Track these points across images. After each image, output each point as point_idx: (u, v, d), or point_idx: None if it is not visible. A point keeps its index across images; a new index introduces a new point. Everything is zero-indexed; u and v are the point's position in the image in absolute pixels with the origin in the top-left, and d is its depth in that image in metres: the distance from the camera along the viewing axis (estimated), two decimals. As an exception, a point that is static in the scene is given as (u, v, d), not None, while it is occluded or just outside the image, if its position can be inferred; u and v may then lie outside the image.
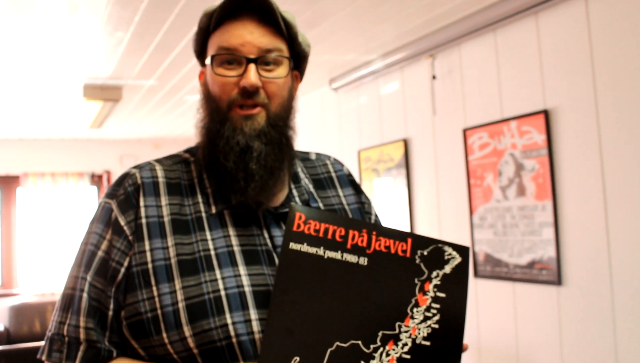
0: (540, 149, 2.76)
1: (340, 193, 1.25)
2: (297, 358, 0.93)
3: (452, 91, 3.34)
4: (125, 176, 1.12)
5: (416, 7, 2.95)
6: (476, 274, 3.16)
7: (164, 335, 0.99)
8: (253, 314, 1.00)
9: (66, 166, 6.64)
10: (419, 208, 3.65)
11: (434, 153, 3.50)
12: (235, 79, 1.06)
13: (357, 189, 1.29)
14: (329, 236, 1.00)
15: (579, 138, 2.60)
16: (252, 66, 1.05)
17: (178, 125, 5.94)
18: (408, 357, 0.97)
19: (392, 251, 1.02)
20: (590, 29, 2.55)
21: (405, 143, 3.72)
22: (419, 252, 1.02)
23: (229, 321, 0.98)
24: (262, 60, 1.06)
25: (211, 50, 1.10)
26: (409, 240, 1.03)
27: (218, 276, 1.02)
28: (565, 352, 2.66)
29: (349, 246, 1.00)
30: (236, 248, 1.05)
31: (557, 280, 2.67)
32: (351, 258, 1.00)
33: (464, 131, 3.22)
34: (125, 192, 1.09)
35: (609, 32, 2.47)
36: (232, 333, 0.98)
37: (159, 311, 1.00)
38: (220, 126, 1.07)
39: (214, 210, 1.08)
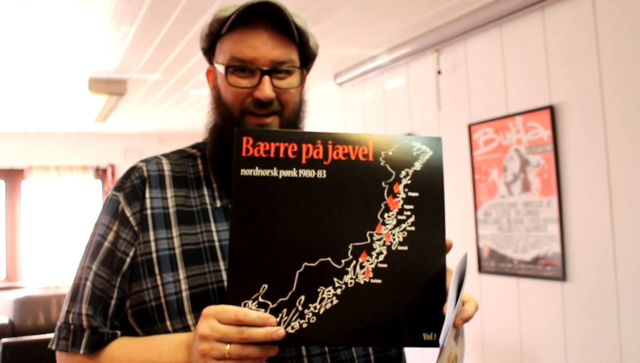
0: (545, 144, 2.75)
1: None
2: (265, 286, 0.90)
3: (458, 86, 3.34)
4: (132, 170, 1.14)
5: (421, 1, 2.94)
6: (480, 270, 3.15)
7: (168, 323, 1.01)
8: None
9: (71, 160, 6.66)
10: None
11: (439, 148, 3.49)
12: (248, 90, 1.07)
13: None
14: (281, 154, 0.94)
15: (584, 134, 2.59)
16: (266, 78, 1.06)
17: (182, 119, 5.94)
18: (385, 265, 0.91)
19: (353, 157, 0.94)
20: (596, 24, 2.54)
21: (410, 138, 3.71)
22: (382, 153, 0.95)
23: None
24: (275, 70, 1.08)
25: (223, 55, 1.10)
26: (370, 143, 0.95)
27: (222, 267, 1.04)
28: (570, 347, 2.66)
29: (303, 161, 0.94)
30: None
31: (562, 276, 2.67)
32: (308, 173, 0.93)
33: (469, 126, 3.21)
34: (132, 184, 1.11)
35: (615, 28, 2.46)
36: None
37: (163, 300, 1.02)
38: (231, 132, 1.07)
39: (219, 204, 1.10)
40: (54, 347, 1.07)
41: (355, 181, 0.94)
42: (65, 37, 3.27)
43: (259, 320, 0.87)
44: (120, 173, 6.78)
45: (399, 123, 3.84)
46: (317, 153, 0.94)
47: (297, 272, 0.90)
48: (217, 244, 1.06)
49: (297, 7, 2.89)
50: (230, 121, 1.09)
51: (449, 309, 0.87)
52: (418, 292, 0.91)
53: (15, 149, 6.45)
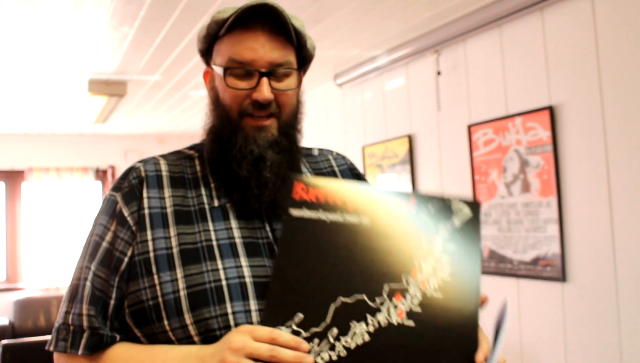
0: (545, 145, 2.75)
1: None
2: (301, 315, 0.93)
3: (457, 87, 3.34)
4: (130, 170, 1.15)
5: (421, 2, 2.94)
6: (480, 270, 3.15)
7: (165, 322, 1.01)
8: (253, 305, 1.01)
9: (71, 161, 6.66)
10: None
11: (439, 149, 3.50)
12: (247, 91, 1.08)
13: (360, 181, 1.30)
14: (330, 201, 1.01)
15: (584, 135, 2.59)
16: (264, 80, 1.06)
17: (182, 120, 5.94)
18: (419, 310, 0.94)
19: (396, 209, 1.01)
20: (595, 24, 2.54)
21: (410, 139, 3.71)
22: (423, 208, 1.01)
23: (229, 310, 1.00)
24: (273, 72, 1.08)
25: (221, 56, 1.11)
26: (412, 198, 1.02)
27: (220, 266, 1.04)
28: (569, 348, 2.66)
29: (350, 209, 1.01)
30: (238, 240, 1.07)
31: (562, 276, 2.67)
32: (353, 219, 1.00)
33: (469, 127, 3.21)
34: (130, 185, 1.11)
35: (614, 28, 2.46)
36: (232, 322, 1.00)
37: (160, 299, 1.02)
38: (231, 135, 1.09)
39: (216, 203, 1.10)
40: (51, 348, 1.06)
41: (397, 229, 0.99)
42: (65, 39, 3.28)
43: (292, 342, 0.90)
44: (120, 174, 6.78)
45: (398, 124, 3.84)
46: (363, 203, 1.02)
47: (332, 305, 0.94)
48: (214, 243, 1.06)
49: (297, 8, 2.89)
50: (229, 123, 1.09)
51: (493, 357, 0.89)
52: (450, 341, 0.93)
53: (16, 150, 6.45)
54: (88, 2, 2.75)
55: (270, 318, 0.94)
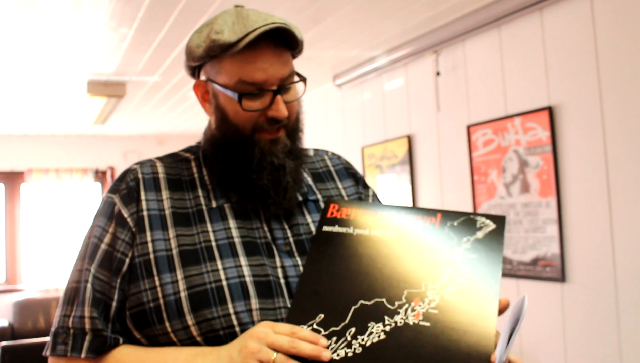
0: (544, 145, 2.75)
1: (340, 185, 1.28)
2: (322, 315, 0.97)
3: (456, 87, 3.33)
4: (126, 172, 1.14)
5: (420, 3, 2.94)
6: (480, 271, 3.15)
7: (167, 324, 1.01)
8: (254, 304, 1.02)
9: (70, 162, 6.65)
10: (422, 204, 3.64)
11: (438, 149, 3.49)
12: (261, 110, 1.08)
13: (356, 180, 1.31)
14: (359, 218, 1.08)
15: (583, 135, 2.59)
16: (279, 98, 1.08)
17: (182, 121, 5.94)
18: (435, 311, 0.96)
19: (420, 224, 1.05)
20: (595, 25, 2.53)
21: (409, 140, 3.71)
22: (448, 223, 1.04)
23: (231, 310, 1.00)
24: (284, 88, 1.09)
25: (226, 76, 1.07)
26: (439, 215, 1.06)
27: (219, 266, 1.04)
28: (569, 348, 2.66)
29: (376, 224, 1.07)
30: (237, 240, 1.08)
31: (561, 276, 2.67)
32: (379, 232, 1.05)
33: (468, 127, 3.21)
34: (127, 186, 1.11)
35: (614, 28, 2.46)
36: (235, 322, 1.00)
37: (161, 301, 1.02)
38: (246, 149, 1.10)
39: (214, 204, 1.11)
40: (48, 353, 1.04)
41: (420, 241, 1.04)
42: (64, 40, 3.27)
43: (310, 337, 0.93)
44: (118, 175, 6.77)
45: (398, 125, 3.84)
46: (390, 220, 1.08)
47: (353, 307, 0.98)
48: (213, 244, 1.06)
49: (296, 8, 2.89)
50: (242, 139, 1.10)
51: (500, 348, 0.89)
52: (465, 342, 0.94)
53: (15, 152, 6.45)
54: (86, 3, 2.75)
55: (293, 319, 0.97)
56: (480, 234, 1.03)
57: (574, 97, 2.63)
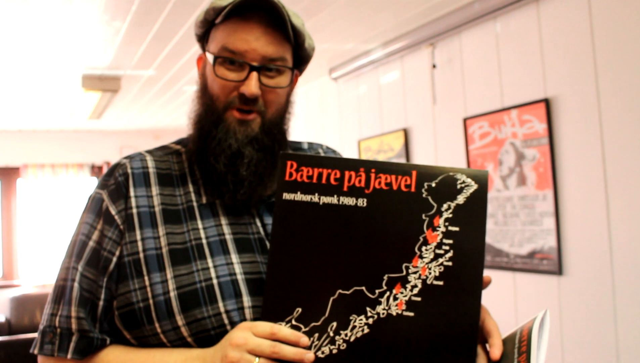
0: (541, 138, 2.74)
1: None
2: (299, 310, 0.92)
3: (453, 80, 3.32)
4: (115, 167, 1.11)
5: (416, -5, 2.92)
6: (476, 264, 3.15)
7: (157, 324, 0.99)
8: (246, 302, 0.99)
9: (66, 158, 6.63)
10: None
11: (434, 142, 3.48)
12: (235, 83, 1.05)
13: None
14: (323, 180, 0.96)
15: (580, 127, 2.58)
16: (254, 75, 1.03)
17: (178, 116, 5.92)
18: (418, 299, 0.91)
19: (394, 187, 0.95)
20: (591, 16, 2.52)
21: (406, 133, 3.70)
22: (425, 185, 0.94)
23: (222, 309, 0.98)
24: (265, 67, 1.05)
25: (214, 44, 1.08)
26: (414, 173, 0.95)
27: (210, 264, 1.01)
28: (566, 341, 2.65)
29: (345, 188, 0.95)
30: (228, 237, 1.05)
31: (558, 269, 2.66)
32: (348, 201, 0.95)
33: (464, 120, 3.20)
34: (116, 182, 1.08)
35: (610, 20, 2.45)
36: (226, 321, 0.98)
37: (151, 301, 0.99)
38: (213, 126, 1.06)
39: (204, 200, 1.08)
40: (36, 351, 1.03)
41: (395, 212, 0.94)
42: (57, 34, 3.25)
43: (292, 336, 0.90)
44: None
45: (394, 118, 3.83)
46: (359, 181, 0.95)
47: (331, 299, 0.92)
48: (204, 241, 1.03)
49: (290, 1, 2.86)
50: (212, 113, 1.07)
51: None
52: (451, 329, 0.91)
53: (10, 147, 6.43)
54: (79, -4, 2.73)
55: (270, 314, 0.93)
56: (461, 198, 0.94)
57: (571, 89, 2.62)
